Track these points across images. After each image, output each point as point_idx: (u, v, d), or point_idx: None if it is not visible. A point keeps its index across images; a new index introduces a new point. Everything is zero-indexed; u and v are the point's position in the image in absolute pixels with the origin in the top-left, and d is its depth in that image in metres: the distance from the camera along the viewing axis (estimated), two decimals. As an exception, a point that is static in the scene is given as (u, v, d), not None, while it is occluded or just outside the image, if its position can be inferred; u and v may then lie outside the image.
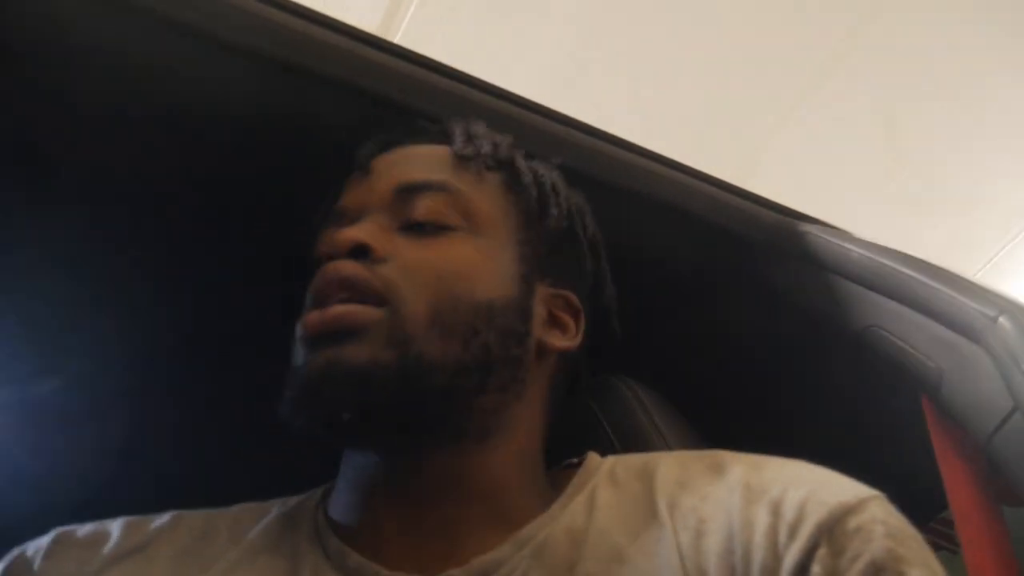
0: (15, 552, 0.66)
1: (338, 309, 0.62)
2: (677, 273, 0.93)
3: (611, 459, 0.70)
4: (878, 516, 0.57)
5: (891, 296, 0.84)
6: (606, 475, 0.67)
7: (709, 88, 2.10)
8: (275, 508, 0.70)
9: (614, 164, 0.87)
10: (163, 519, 0.68)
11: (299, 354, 0.64)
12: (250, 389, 0.75)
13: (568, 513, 0.64)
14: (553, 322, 0.72)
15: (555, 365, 0.72)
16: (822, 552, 0.55)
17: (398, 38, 1.76)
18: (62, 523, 0.68)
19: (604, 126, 0.90)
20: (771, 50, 2.12)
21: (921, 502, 0.87)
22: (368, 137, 0.75)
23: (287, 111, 0.78)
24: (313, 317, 0.63)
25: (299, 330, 0.64)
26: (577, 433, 0.88)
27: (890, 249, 0.87)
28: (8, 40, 0.70)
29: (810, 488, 0.59)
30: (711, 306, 0.96)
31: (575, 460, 0.71)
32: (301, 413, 0.62)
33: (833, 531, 0.55)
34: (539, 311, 0.70)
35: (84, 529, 0.67)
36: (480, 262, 0.67)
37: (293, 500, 0.71)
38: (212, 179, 0.81)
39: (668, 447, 0.83)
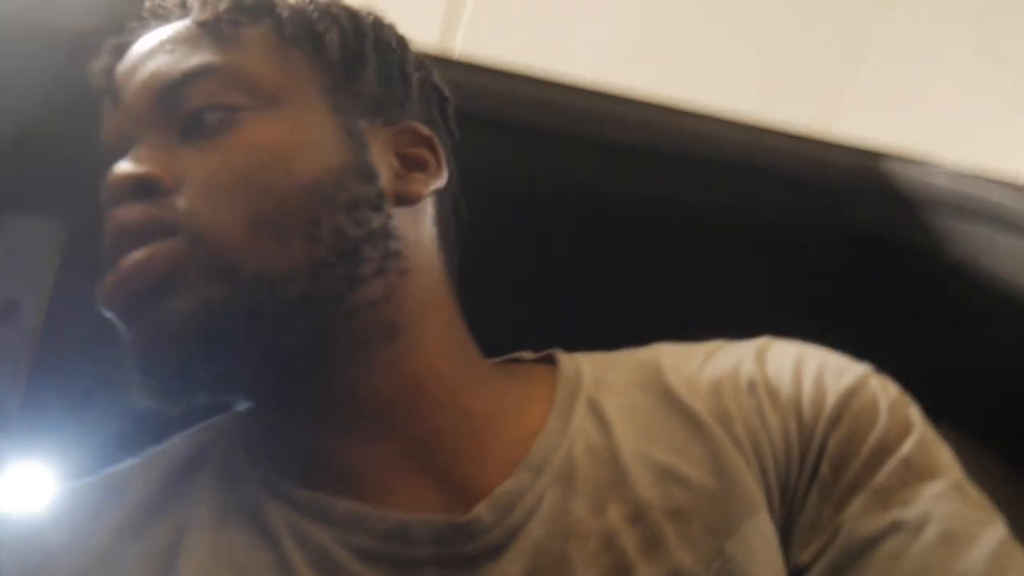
0: None
1: (127, 261, 0.52)
2: (760, 232, 0.93)
3: (584, 362, 0.63)
4: (877, 391, 0.58)
5: (983, 225, 0.83)
6: (594, 383, 0.61)
7: (780, 34, 2.05)
8: (168, 465, 0.59)
9: (686, 134, 0.88)
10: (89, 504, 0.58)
11: (122, 331, 0.53)
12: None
13: (579, 431, 0.57)
14: (409, 164, 0.60)
15: (433, 213, 0.62)
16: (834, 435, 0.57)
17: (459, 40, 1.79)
18: None
19: (673, 87, 0.91)
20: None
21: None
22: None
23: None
24: (107, 282, 0.53)
25: (99, 300, 0.54)
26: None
27: (978, 177, 0.86)
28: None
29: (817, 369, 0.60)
30: (800, 260, 0.95)
31: (527, 355, 0.64)
32: (157, 397, 0.54)
33: (842, 415, 0.57)
34: (386, 160, 0.59)
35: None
36: (287, 138, 0.55)
37: (185, 448, 0.60)
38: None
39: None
